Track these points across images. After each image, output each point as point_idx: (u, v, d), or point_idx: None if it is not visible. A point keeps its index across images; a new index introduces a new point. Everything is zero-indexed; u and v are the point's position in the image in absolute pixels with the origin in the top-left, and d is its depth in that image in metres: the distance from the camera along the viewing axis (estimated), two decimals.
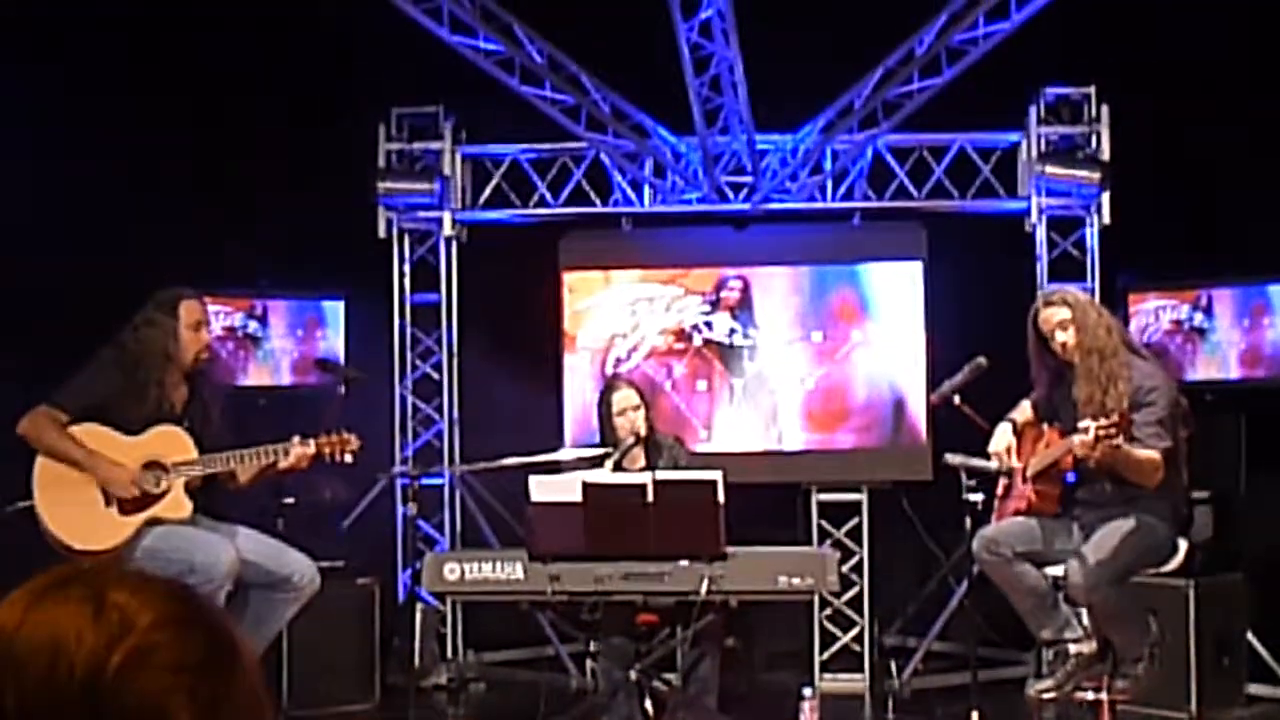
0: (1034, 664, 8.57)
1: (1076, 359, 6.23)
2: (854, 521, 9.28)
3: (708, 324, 9.31)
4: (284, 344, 9.31)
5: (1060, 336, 6.25)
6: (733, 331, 9.31)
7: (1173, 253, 8.87)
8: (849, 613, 9.25)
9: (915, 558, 9.35)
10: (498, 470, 7.44)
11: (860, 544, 9.27)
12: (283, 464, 6.49)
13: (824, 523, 9.25)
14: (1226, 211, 8.96)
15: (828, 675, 9.13)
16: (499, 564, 6.54)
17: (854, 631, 9.22)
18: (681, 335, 9.32)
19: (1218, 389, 8.68)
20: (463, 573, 6.56)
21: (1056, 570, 6.13)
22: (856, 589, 9.25)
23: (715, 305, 9.32)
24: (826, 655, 9.19)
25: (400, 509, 9.43)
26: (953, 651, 8.95)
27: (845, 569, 9.19)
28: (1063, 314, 6.25)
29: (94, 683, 1.16)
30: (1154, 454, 5.98)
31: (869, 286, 9.26)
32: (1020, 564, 6.20)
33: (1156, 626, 6.16)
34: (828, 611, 9.24)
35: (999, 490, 6.73)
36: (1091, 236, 9.21)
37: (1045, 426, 6.43)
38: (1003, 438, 6.52)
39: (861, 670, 9.12)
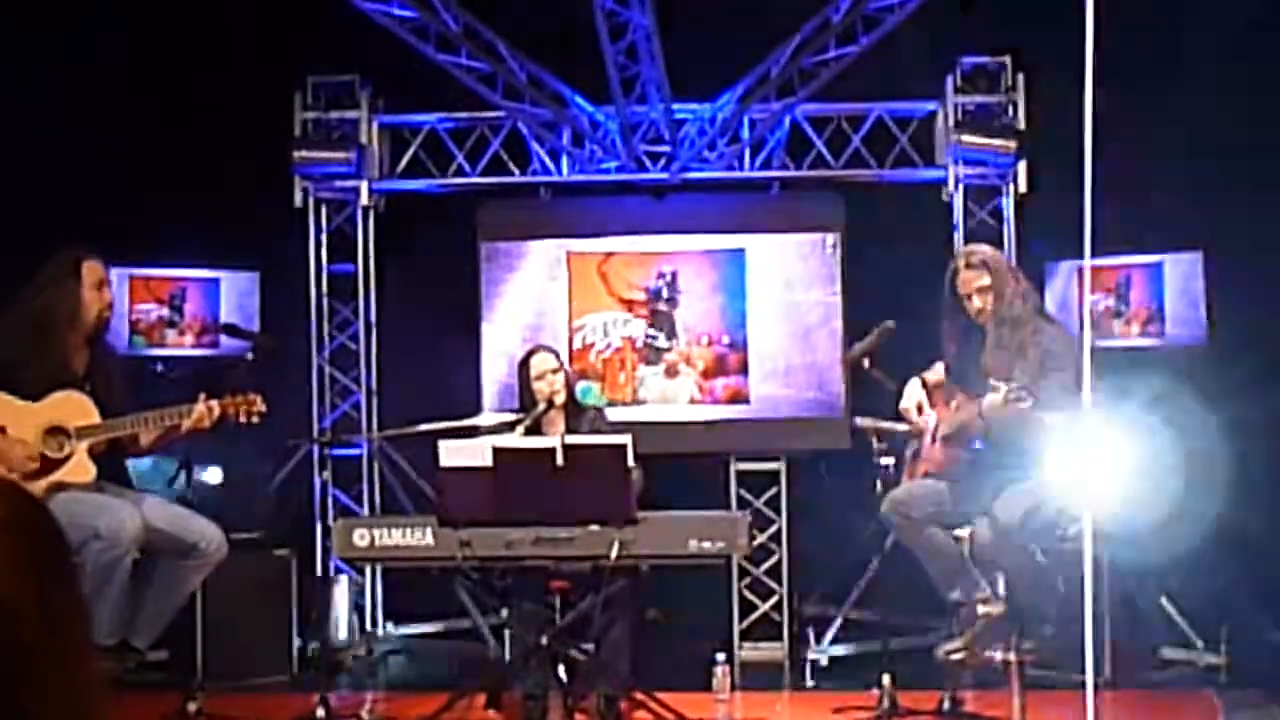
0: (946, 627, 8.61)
1: (989, 325, 6.25)
2: (773, 490, 9.30)
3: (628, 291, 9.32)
4: (200, 315, 9.22)
5: (976, 302, 6.26)
6: (654, 299, 9.31)
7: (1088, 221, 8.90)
8: (768, 581, 9.27)
9: (834, 526, 9.38)
10: (415, 436, 7.40)
11: (779, 513, 9.28)
12: (185, 425, 6.40)
13: (743, 492, 9.26)
14: (1141, 181, 8.99)
15: (747, 644, 9.15)
16: (409, 530, 6.49)
17: (773, 600, 9.23)
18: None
19: (1134, 355, 8.75)
20: (373, 539, 6.51)
21: (965, 532, 6.15)
22: (776, 557, 9.28)
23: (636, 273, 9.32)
24: (746, 624, 9.20)
25: (318, 480, 9.38)
26: (871, 620, 8.96)
27: (764, 538, 9.22)
28: (983, 280, 6.26)
29: None
30: (1059, 417, 5.99)
31: (787, 256, 9.26)
32: (929, 526, 6.23)
33: (1064, 588, 6.19)
34: (747, 580, 9.25)
35: (909, 452, 6.75)
36: (1008, 205, 9.25)
37: (956, 389, 6.45)
38: (912, 394, 6.55)
39: (780, 639, 9.14)
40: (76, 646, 1.17)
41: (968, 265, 6.33)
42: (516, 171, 9.54)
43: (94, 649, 1.21)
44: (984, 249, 6.47)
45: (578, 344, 9.30)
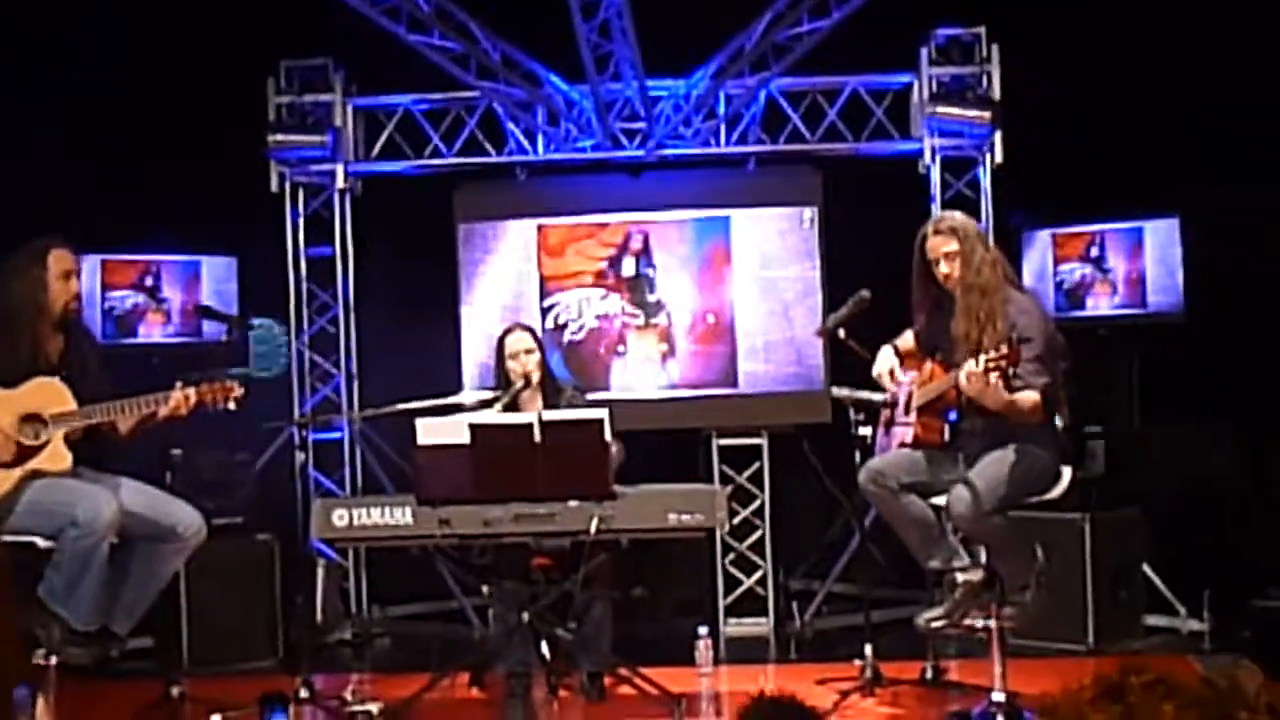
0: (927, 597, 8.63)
1: (958, 292, 6.23)
2: (755, 466, 9.30)
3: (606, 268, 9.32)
4: (178, 301, 9.19)
5: (944, 268, 6.25)
6: (632, 276, 9.32)
7: (1065, 192, 8.93)
8: (752, 557, 9.27)
9: (818, 501, 9.41)
10: (396, 415, 7.38)
11: (762, 488, 9.28)
12: (163, 411, 6.37)
13: (725, 468, 9.26)
14: (1116, 149, 9.00)
15: (732, 620, 9.15)
16: (388, 509, 6.49)
17: (757, 575, 9.24)
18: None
19: (1111, 325, 8.76)
20: (351, 518, 6.50)
21: (942, 500, 6.15)
22: (759, 533, 9.28)
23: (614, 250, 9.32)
24: (730, 600, 9.20)
25: (301, 470, 9.35)
26: (855, 594, 8.98)
27: (747, 513, 9.23)
28: (950, 245, 6.24)
29: None
30: (1034, 395, 5.98)
31: (765, 231, 9.26)
32: (906, 495, 6.21)
33: (1042, 555, 6.19)
34: (731, 556, 9.26)
35: (882, 420, 6.75)
36: (984, 176, 9.25)
37: (928, 359, 6.44)
38: (885, 361, 6.54)
39: (765, 614, 9.15)
40: None
41: (936, 231, 6.31)
42: (493, 152, 9.51)
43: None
44: (954, 215, 6.44)
45: (551, 323, 9.28)
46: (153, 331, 9.12)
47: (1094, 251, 8.88)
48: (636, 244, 9.32)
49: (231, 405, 6.51)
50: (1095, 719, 0.88)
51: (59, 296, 6.28)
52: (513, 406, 7.14)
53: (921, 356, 6.51)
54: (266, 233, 9.54)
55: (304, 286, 9.71)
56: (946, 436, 6.29)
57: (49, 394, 6.19)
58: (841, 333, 6.70)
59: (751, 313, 9.25)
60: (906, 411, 6.47)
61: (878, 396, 6.68)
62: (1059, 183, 8.97)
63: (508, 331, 7.48)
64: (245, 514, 8.71)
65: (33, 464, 6.14)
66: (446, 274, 9.35)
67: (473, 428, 6.39)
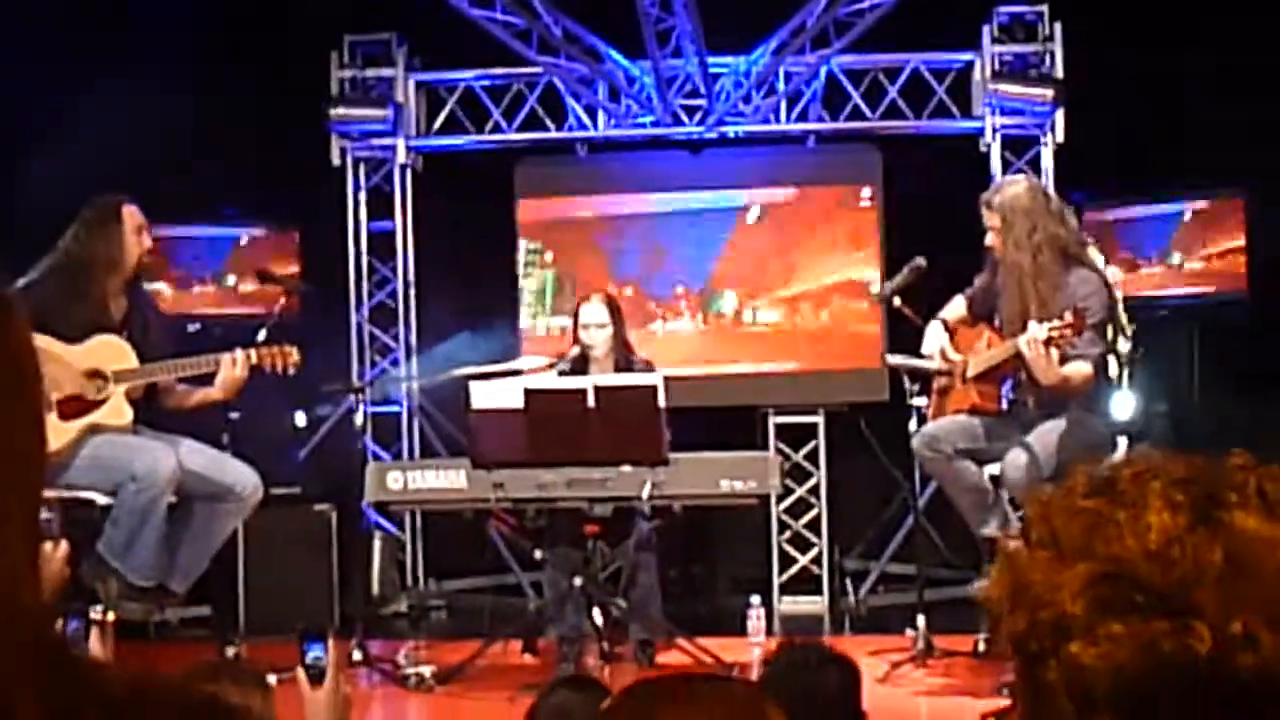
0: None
1: (1002, 269, 6.22)
2: (811, 444, 9.28)
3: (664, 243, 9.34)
4: (239, 273, 9.27)
5: (990, 239, 6.23)
6: (691, 252, 9.33)
7: (1126, 171, 8.87)
8: (808, 535, 9.26)
9: (874, 479, 9.36)
10: (454, 381, 7.41)
11: (818, 466, 9.27)
12: (221, 374, 6.43)
13: (781, 445, 9.25)
14: (1180, 128, 8.93)
15: (787, 598, 9.14)
16: (442, 472, 6.53)
17: (812, 553, 9.22)
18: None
19: (1172, 304, 8.70)
20: (405, 482, 6.55)
21: (997, 468, 6.12)
22: (815, 511, 9.26)
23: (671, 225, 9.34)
24: (785, 577, 9.19)
25: (359, 440, 9.40)
26: (910, 574, 8.94)
27: (803, 491, 9.22)
28: (992, 221, 6.23)
29: None
30: (1086, 368, 5.95)
31: (824, 208, 9.25)
32: (960, 460, 6.20)
33: None
34: (787, 534, 9.25)
35: (935, 388, 6.73)
36: (1046, 155, 9.19)
37: (984, 327, 6.41)
38: (934, 338, 6.51)
39: (820, 592, 9.13)
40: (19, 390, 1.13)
41: (985, 203, 6.29)
42: (553, 128, 9.54)
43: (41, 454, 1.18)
44: (1005, 190, 6.37)
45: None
46: (211, 304, 9.22)
47: (1155, 230, 8.81)
48: (700, 226, 9.32)
49: (290, 370, 6.57)
50: (1084, 504, 0.89)
51: (133, 251, 6.35)
52: (576, 372, 7.12)
53: (974, 322, 6.48)
54: (328, 206, 9.60)
55: (364, 260, 9.77)
56: (1002, 403, 6.27)
57: (112, 351, 6.26)
58: (897, 300, 6.68)
59: (809, 289, 9.23)
60: (961, 381, 6.45)
61: (933, 365, 6.66)
62: (1120, 162, 8.90)
63: (584, 300, 7.42)
64: (303, 484, 8.78)
65: (93, 418, 6.20)
66: (505, 249, 9.38)
67: (527, 392, 6.42)
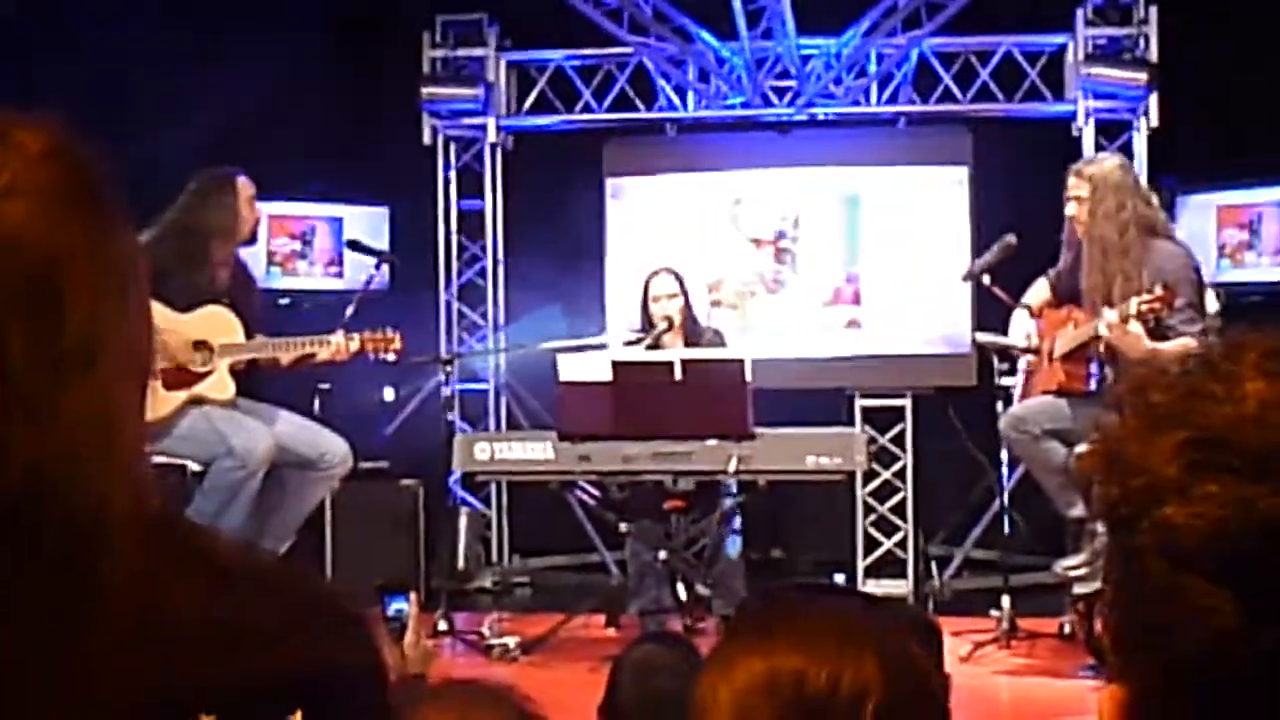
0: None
1: (1084, 242, 6.18)
2: (898, 427, 9.25)
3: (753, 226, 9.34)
4: (329, 248, 9.37)
5: (1071, 209, 6.20)
6: (780, 234, 9.31)
7: (1219, 157, 8.78)
8: (893, 519, 9.23)
9: (960, 464, 9.32)
10: (541, 356, 7.46)
11: (904, 450, 9.24)
12: (322, 355, 6.50)
13: (868, 428, 9.21)
14: (1273, 114, 8.82)
15: (870, 581, 9.12)
16: (529, 444, 6.58)
17: (897, 537, 9.19)
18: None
19: (1265, 290, 8.61)
20: (493, 453, 6.60)
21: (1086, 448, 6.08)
22: (901, 495, 9.23)
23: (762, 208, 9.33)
24: (869, 561, 9.18)
25: (447, 415, 9.47)
26: (994, 560, 8.90)
27: (889, 475, 9.19)
28: (1080, 190, 6.19)
29: None
30: (1190, 344, 5.89)
31: (913, 191, 9.21)
32: (1047, 441, 6.17)
33: None
34: (872, 518, 9.23)
35: (1023, 369, 6.70)
36: (1138, 140, 9.11)
37: (1071, 308, 6.37)
38: (1020, 326, 6.49)
39: (904, 576, 9.10)
40: (130, 295, 1.17)
41: (1075, 172, 6.25)
42: (642, 108, 9.56)
43: (146, 301, 1.22)
44: (1099, 162, 6.35)
45: (702, 279, 9.30)
46: (303, 278, 9.32)
47: (1248, 217, 8.72)
48: (789, 208, 9.31)
49: (391, 356, 6.64)
50: (1178, 378, 0.90)
51: (246, 222, 6.43)
52: (655, 349, 7.18)
53: (1059, 304, 6.44)
54: (418, 185, 9.67)
55: (453, 238, 9.83)
56: (1091, 384, 6.23)
57: (220, 323, 6.32)
58: (987, 279, 6.66)
59: (898, 273, 9.19)
60: (1048, 361, 6.41)
61: (1021, 343, 6.63)
62: (1213, 147, 8.81)
63: (653, 274, 7.52)
64: (390, 459, 8.85)
65: (197, 389, 6.26)
66: (594, 229, 9.42)
67: (614, 364, 6.46)
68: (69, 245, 1.12)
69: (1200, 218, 8.81)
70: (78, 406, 1.09)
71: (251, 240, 6.63)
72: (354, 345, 6.50)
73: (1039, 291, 6.56)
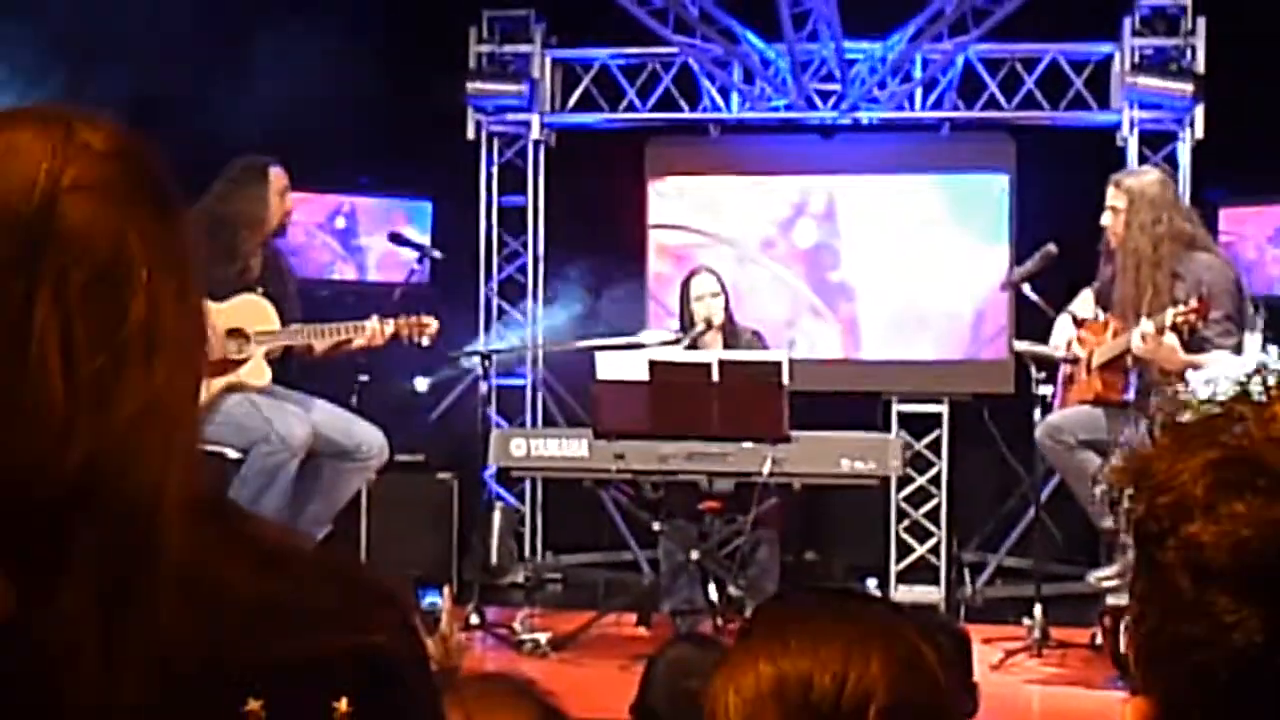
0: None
1: (1119, 253, 6.17)
2: (934, 433, 9.24)
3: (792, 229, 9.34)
4: (371, 241, 9.41)
5: (1107, 218, 6.19)
6: (820, 237, 9.32)
7: (1266, 168, 8.73)
8: (927, 525, 9.22)
9: (995, 471, 9.30)
10: (579, 353, 7.48)
11: (940, 456, 9.23)
12: (358, 341, 6.55)
13: (904, 434, 9.20)
14: None
15: (903, 587, 9.12)
16: (565, 441, 6.60)
17: (930, 543, 9.19)
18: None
19: None
20: (529, 449, 6.63)
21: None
22: (935, 501, 9.22)
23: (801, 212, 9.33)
24: (902, 566, 9.17)
25: (482, 410, 9.50)
26: (1028, 568, 8.88)
27: (924, 480, 9.18)
28: (1118, 201, 6.18)
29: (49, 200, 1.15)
30: (1223, 356, 5.88)
31: (955, 198, 9.20)
32: (1083, 451, 6.16)
33: None
34: (906, 523, 9.22)
35: (1060, 378, 6.69)
36: (1183, 151, 9.08)
37: (1111, 318, 6.36)
38: (1063, 332, 6.48)
39: (937, 582, 9.09)
40: (188, 288, 1.21)
41: (1114, 183, 6.25)
42: (686, 108, 9.57)
43: (201, 295, 1.25)
44: (1140, 175, 6.35)
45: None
46: (346, 270, 9.36)
47: None
48: (820, 208, 9.32)
49: (425, 340, 6.67)
50: (1211, 404, 0.91)
51: (276, 212, 6.47)
52: (693, 348, 7.19)
53: (1107, 316, 6.43)
54: (461, 179, 9.70)
55: (495, 234, 9.86)
56: (1128, 393, 6.22)
57: (255, 311, 6.37)
58: (1027, 287, 6.66)
59: (938, 279, 9.19)
60: (1086, 371, 6.41)
61: (1060, 352, 6.62)
62: (1258, 160, 8.77)
63: (693, 274, 7.53)
64: (426, 452, 8.88)
65: (233, 377, 6.31)
66: (635, 228, 9.44)
67: (652, 364, 6.47)
68: (131, 239, 1.16)
69: (1242, 229, 8.78)
70: (138, 395, 1.13)
71: (282, 232, 6.66)
72: (389, 329, 6.54)
73: (1084, 302, 6.55)
